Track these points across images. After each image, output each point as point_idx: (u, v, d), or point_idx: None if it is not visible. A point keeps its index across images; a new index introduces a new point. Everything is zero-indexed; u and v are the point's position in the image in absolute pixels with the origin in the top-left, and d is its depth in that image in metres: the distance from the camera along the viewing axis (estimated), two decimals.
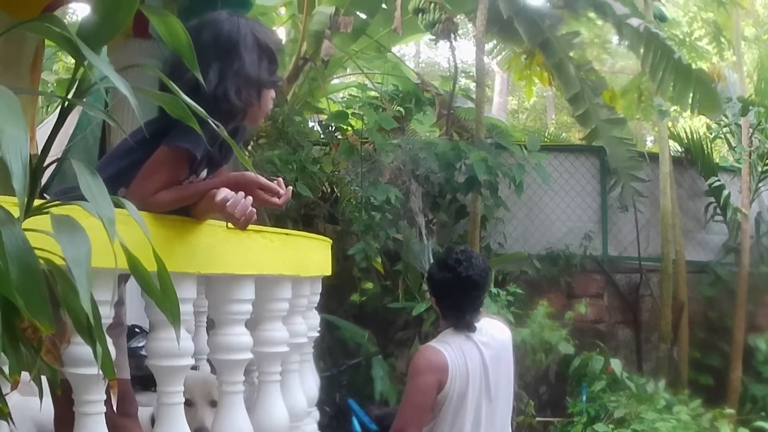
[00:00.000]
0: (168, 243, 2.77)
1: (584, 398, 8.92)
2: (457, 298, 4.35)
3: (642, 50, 9.86)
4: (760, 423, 7.78)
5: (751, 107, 10.40)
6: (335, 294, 9.30)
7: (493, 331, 4.36)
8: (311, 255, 4.00)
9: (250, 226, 2.97)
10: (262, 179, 2.98)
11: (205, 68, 2.84)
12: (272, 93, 3.21)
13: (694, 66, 10.22)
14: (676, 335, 10.37)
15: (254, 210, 2.88)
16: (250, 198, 2.87)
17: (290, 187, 3.06)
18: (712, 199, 11.30)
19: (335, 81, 12.65)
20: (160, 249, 2.61)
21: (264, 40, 3.09)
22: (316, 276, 4.19)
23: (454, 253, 4.44)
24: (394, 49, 12.31)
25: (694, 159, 11.43)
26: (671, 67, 9.58)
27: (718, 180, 11.01)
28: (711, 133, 11.63)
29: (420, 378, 4.26)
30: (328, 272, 4.37)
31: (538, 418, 8.97)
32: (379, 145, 9.10)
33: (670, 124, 11.81)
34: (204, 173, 3.11)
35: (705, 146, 11.42)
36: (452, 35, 10.02)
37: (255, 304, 3.35)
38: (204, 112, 1.95)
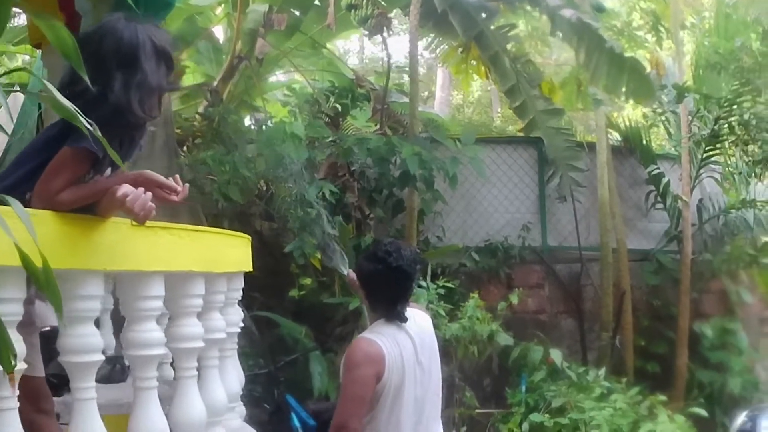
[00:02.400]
0: (72, 240, 2.86)
1: (523, 389, 9.05)
2: (388, 290, 4.41)
3: (575, 40, 10.01)
4: (696, 409, 7.93)
5: (687, 94, 10.55)
6: (274, 291, 9.42)
7: (420, 321, 4.45)
8: (225, 251, 4.09)
9: (160, 223, 3.08)
10: (160, 177, 3.10)
11: (109, 78, 2.98)
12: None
13: (629, 55, 10.38)
14: (618, 323, 10.52)
15: (153, 206, 2.98)
16: (149, 194, 2.97)
17: (187, 185, 3.15)
18: (653, 188, 11.46)
19: (272, 79, 12.71)
20: (64, 246, 2.74)
21: (161, 45, 3.19)
22: (234, 272, 4.29)
23: (383, 245, 4.51)
24: (338, 45, 12.40)
25: (633, 148, 11.58)
26: (604, 57, 9.74)
27: (657, 168, 11.19)
28: (647, 121, 11.79)
29: (357, 370, 4.28)
30: (248, 268, 4.52)
31: (478, 410, 9.05)
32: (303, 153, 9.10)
33: (615, 114, 11.97)
34: (108, 171, 3.20)
35: (643, 135, 11.59)
36: (385, 30, 10.10)
37: (167, 300, 3.45)
38: (84, 114, 2.05)
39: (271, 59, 11.22)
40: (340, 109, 10.87)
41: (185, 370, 3.71)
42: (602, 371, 9.00)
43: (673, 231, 11.48)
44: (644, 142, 11.59)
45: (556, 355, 9.21)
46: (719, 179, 12.19)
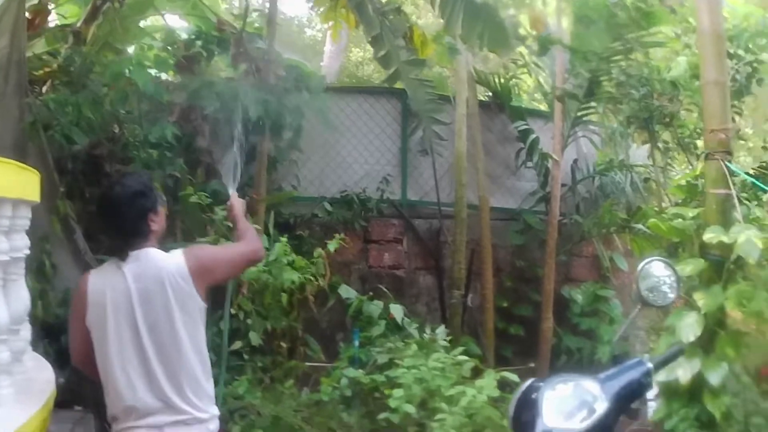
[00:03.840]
0: None
1: (356, 344, 8.89)
2: (102, 222, 4.35)
3: None
4: (508, 374, 7.68)
5: (549, 46, 10.37)
6: None
7: (154, 263, 4.21)
8: (9, 179, 4.33)
9: None
10: None
11: None
12: None
13: (483, 1, 10.14)
14: (469, 282, 10.36)
15: None
16: None
17: None
18: (524, 145, 11.35)
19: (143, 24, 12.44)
20: None
21: None
22: (20, 200, 4.52)
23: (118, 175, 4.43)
24: None
25: (503, 104, 11.43)
26: (459, 5, 9.56)
27: (526, 124, 11.08)
28: (511, 75, 11.63)
29: (71, 307, 4.32)
30: (35, 199, 4.80)
31: (308, 364, 8.87)
32: (148, 85, 8.89)
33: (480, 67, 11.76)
34: None
35: (513, 90, 11.46)
36: None
37: None
38: None
39: (137, 3, 10.96)
40: (205, 55, 10.61)
41: None
42: (440, 329, 8.76)
43: (541, 190, 11.35)
44: (513, 97, 11.41)
45: (397, 311, 9.04)
46: (600, 141, 12.07)
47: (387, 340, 8.58)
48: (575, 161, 11.85)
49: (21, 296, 4.70)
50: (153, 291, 4.13)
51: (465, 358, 7.92)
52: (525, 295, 11.34)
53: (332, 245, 8.73)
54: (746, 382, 6.77)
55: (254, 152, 9.77)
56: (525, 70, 11.91)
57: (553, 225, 10.70)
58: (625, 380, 2.95)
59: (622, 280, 11.48)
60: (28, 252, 4.82)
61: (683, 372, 6.55)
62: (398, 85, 10.97)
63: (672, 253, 7.63)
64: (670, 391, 6.85)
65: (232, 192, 5.08)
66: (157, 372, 4.09)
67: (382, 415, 7.33)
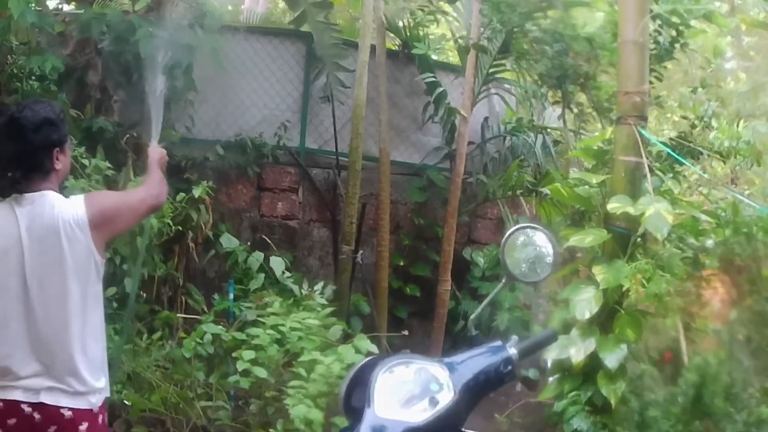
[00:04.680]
0: None
1: (231, 296, 8.54)
2: (1, 150, 3.86)
3: None
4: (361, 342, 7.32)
5: None
6: None
7: (50, 208, 3.80)
8: None
9: None
10: None
11: None
12: None
13: None
14: (359, 237, 9.98)
15: None
16: None
17: None
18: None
19: None
20: None
21: None
22: None
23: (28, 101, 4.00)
24: None
25: (412, 54, 11.03)
26: None
27: (433, 76, 10.71)
28: (414, 19, 11.21)
29: None
30: None
31: (180, 316, 8.47)
32: (27, 13, 8.39)
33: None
34: None
35: (424, 41, 11.05)
36: None
37: None
38: None
39: None
40: None
41: None
42: (319, 285, 8.36)
43: (446, 147, 10.97)
44: (421, 47, 10.95)
45: (277, 264, 8.66)
46: (515, 100, 11.77)
47: (264, 295, 8.18)
48: (486, 119, 11.51)
49: None
50: (46, 240, 3.76)
51: (333, 319, 7.55)
52: (423, 254, 11.05)
53: (198, 191, 8.29)
54: (646, 368, 6.48)
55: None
56: (434, 17, 11.48)
57: (456, 183, 10.28)
58: (480, 368, 2.60)
59: None
60: None
61: (576, 351, 6.25)
62: (305, 28, 10.55)
63: (577, 221, 7.35)
64: (562, 370, 6.56)
65: (153, 142, 4.76)
66: (41, 331, 3.75)
67: (231, 378, 6.96)
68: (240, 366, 6.76)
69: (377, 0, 10.16)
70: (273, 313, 7.35)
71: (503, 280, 3.08)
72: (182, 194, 8.37)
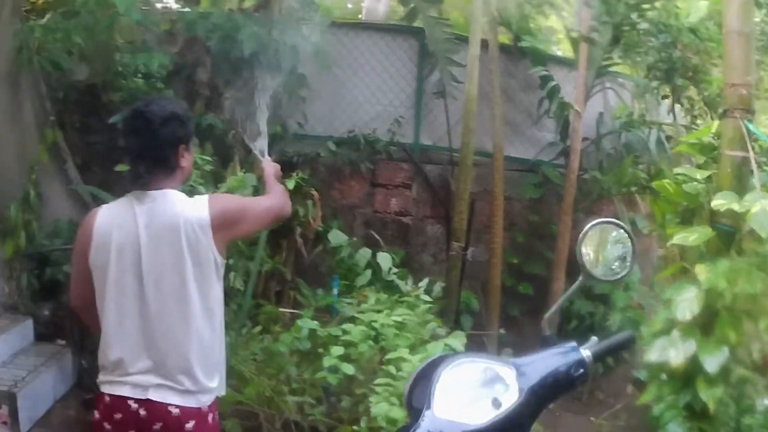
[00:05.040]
0: None
1: (335, 292, 8.54)
2: (128, 145, 3.87)
3: None
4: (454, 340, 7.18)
5: None
6: None
7: (172, 207, 3.81)
8: None
9: None
10: None
11: None
12: None
13: None
14: (469, 234, 9.88)
15: None
16: None
17: None
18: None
19: None
20: None
21: None
22: None
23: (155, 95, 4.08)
24: None
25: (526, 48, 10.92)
26: None
27: (545, 70, 10.57)
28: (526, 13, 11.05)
29: (75, 242, 3.96)
30: None
31: (282, 310, 8.50)
32: (133, 12, 8.53)
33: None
34: None
35: (534, 33, 10.94)
36: None
37: None
38: None
39: None
40: None
41: None
42: (423, 283, 8.28)
43: (559, 143, 10.85)
44: (532, 40, 10.84)
45: (384, 260, 8.63)
46: (631, 95, 11.54)
47: (367, 291, 8.16)
48: (601, 114, 11.31)
49: None
50: (165, 239, 3.77)
51: (431, 317, 7.47)
52: (538, 252, 10.87)
53: (290, 183, 8.25)
54: (744, 373, 6.21)
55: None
56: (544, 10, 11.32)
57: (571, 180, 10.14)
58: (549, 369, 2.50)
59: (644, 244, 10.94)
60: None
61: (675, 353, 5.98)
62: (418, 24, 10.57)
63: (687, 219, 7.14)
64: (661, 375, 6.32)
65: (266, 157, 4.86)
66: (155, 329, 3.76)
67: (318, 374, 6.88)
68: (326, 362, 6.73)
69: None
70: (372, 310, 7.34)
71: (579, 279, 3.00)
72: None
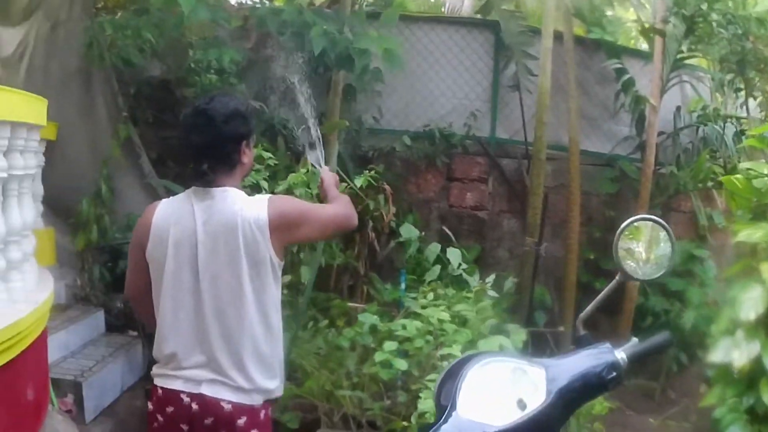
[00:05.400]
0: None
1: (402, 287, 8.52)
2: (189, 141, 3.88)
3: None
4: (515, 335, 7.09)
5: None
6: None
7: (230, 206, 3.83)
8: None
9: None
10: None
11: None
12: None
13: None
14: (542, 229, 9.79)
15: None
16: None
17: None
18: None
19: None
20: None
21: None
22: (19, 123, 5.12)
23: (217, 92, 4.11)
24: None
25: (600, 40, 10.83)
26: None
27: (619, 62, 10.46)
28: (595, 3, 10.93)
29: (133, 234, 4.02)
30: (41, 123, 5.46)
31: (351, 304, 8.52)
32: (199, 9, 8.58)
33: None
34: None
35: (608, 26, 10.82)
36: None
37: None
38: None
39: None
40: None
41: None
42: (491, 278, 8.17)
43: (635, 137, 10.74)
44: (605, 32, 10.72)
45: (454, 255, 8.57)
46: (710, 88, 11.37)
47: (435, 286, 8.12)
48: (678, 108, 11.16)
49: (20, 212, 5.26)
50: (222, 238, 3.80)
51: (490, 312, 7.40)
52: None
53: (360, 181, 8.21)
54: None
55: (329, 83, 9.44)
56: (622, 1, 11.21)
57: (647, 175, 9.99)
58: (579, 371, 2.48)
59: (720, 240, 10.77)
60: (32, 171, 5.43)
61: (739, 355, 5.76)
62: (493, 17, 10.52)
63: (760, 215, 7.00)
64: (725, 376, 6.11)
65: (324, 167, 4.79)
66: (209, 325, 3.79)
67: (372, 369, 6.88)
68: (378, 357, 6.70)
69: None
70: (432, 305, 7.33)
71: (617, 278, 2.95)
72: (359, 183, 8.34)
